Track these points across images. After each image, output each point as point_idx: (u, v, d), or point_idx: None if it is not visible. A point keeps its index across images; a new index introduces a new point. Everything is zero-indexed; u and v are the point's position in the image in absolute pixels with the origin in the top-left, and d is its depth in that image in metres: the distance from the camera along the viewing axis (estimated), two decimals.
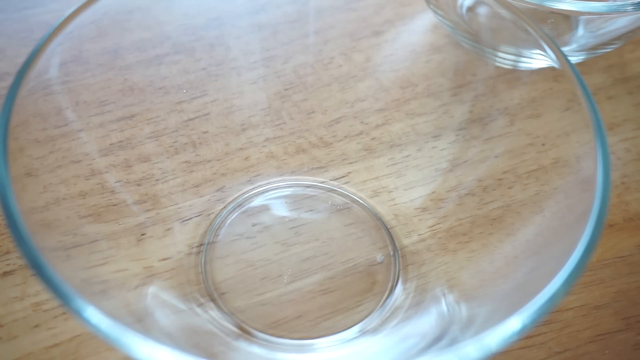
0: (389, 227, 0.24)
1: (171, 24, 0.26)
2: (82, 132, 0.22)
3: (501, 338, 0.13)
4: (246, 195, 0.25)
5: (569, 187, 0.19)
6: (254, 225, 0.24)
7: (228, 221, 0.24)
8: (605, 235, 0.25)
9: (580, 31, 0.28)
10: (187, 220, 0.24)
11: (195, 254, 0.23)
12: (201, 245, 0.24)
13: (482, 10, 0.28)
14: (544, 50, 0.19)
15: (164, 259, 0.22)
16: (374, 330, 0.21)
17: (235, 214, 0.25)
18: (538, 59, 0.21)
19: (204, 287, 0.22)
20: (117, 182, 0.23)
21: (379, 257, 0.23)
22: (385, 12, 0.31)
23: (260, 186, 0.25)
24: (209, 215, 0.24)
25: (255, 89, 0.27)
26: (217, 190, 0.25)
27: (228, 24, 0.27)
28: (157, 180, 0.24)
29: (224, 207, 0.25)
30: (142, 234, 0.22)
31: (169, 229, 0.23)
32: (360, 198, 0.25)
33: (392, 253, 0.24)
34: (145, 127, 0.24)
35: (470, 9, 0.30)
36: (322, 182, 0.26)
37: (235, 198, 0.25)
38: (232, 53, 0.27)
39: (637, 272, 0.24)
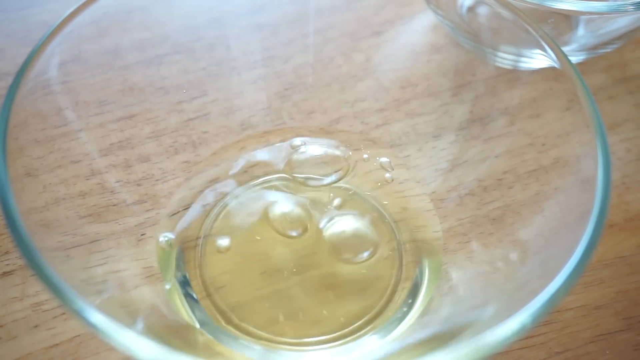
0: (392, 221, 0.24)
1: (171, 24, 0.26)
2: (82, 132, 0.22)
3: (501, 338, 0.13)
4: (245, 188, 0.25)
5: (569, 187, 0.19)
6: (251, 217, 0.24)
7: (224, 214, 0.24)
8: (605, 235, 0.25)
9: (581, 31, 0.28)
10: None
11: (192, 248, 0.23)
12: (198, 238, 0.23)
13: (482, 10, 0.28)
14: (544, 50, 0.19)
15: None
16: (376, 328, 0.21)
17: (234, 207, 0.24)
18: (538, 59, 0.21)
19: (201, 283, 0.22)
20: (117, 182, 0.23)
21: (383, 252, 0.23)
22: (385, 12, 0.31)
23: (259, 178, 0.25)
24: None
25: (255, 89, 0.27)
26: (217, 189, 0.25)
27: (228, 24, 0.27)
28: (157, 180, 0.24)
29: (221, 199, 0.24)
30: (142, 234, 0.22)
31: None
32: (363, 190, 0.25)
33: (396, 247, 0.24)
34: (145, 127, 0.24)
35: (470, 9, 0.30)
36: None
37: (234, 190, 0.25)
38: (232, 53, 0.27)
39: (638, 272, 0.24)
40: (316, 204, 0.24)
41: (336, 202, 0.25)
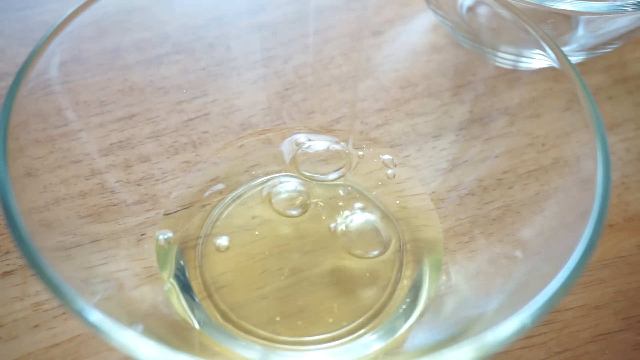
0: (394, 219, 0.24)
1: (171, 24, 0.26)
2: (82, 132, 0.22)
3: (501, 338, 0.13)
4: (245, 188, 0.25)
5: (569, 187, 0.19)
6: (253, 217, 0.24)
7: (226, 213, 0.24)
8: (605, 235, 0.25)
9: (580, 31, 0.28)
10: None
11: (192, 247, 0.23)
12: (198, 238, 0.23)
13: (482, 10, 0.28)
14: (544, 50, 0.19)
15: None
16: (376, 327, 0.21)
17: (235, 207, 0.24)
18: (538, 59, 0.21)
19: (201, 282, 0.22)
20: (117, 182, 0.23)
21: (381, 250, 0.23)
22: (385, 12, 0.31)
23: (259, 178, 0.25)
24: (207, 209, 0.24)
25: (255, 89, 0.27)
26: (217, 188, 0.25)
27: (228, 24, 0.27)
28: (157, 180, 0.24)
29: (222, 199, 0.24)
30: (142, 234, 0.22)
31: None
32: (364, 189, 0.25)
33: (399, 247, 0.24)
34: (145, 127, 0.24)
35: (470, 9, 0.30)
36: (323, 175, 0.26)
37: (235, 190, 0.25)
38: (232, 53, 0.27)
39: (637, 272, 0.24)
40: (323, 200, 0.24)
41: (343, 198, 0.25)
